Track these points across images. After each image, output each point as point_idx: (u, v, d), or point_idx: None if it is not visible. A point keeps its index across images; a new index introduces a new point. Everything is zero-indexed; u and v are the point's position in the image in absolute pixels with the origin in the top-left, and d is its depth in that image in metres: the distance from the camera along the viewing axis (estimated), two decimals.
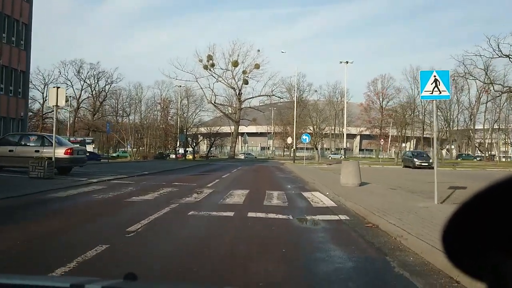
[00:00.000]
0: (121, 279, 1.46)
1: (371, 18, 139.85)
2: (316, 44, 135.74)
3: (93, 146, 67.58)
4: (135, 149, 58.73)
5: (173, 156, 64.51)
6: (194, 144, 53.01)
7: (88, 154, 52.17)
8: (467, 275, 0.69)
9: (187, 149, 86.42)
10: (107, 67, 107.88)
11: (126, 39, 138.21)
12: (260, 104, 63.06)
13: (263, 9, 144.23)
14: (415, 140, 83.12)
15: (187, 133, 57.07)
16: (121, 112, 74.90)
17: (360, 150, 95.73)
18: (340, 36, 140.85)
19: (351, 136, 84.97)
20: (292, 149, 45.67)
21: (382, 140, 50.37)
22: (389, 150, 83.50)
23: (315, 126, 43.23)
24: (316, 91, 73.89)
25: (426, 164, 37.31)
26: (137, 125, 60.41)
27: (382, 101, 79.88)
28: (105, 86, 74.01)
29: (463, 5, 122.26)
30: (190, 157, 67.31)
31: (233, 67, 60.01)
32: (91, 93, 74.09)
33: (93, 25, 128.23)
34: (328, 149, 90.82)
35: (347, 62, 64.19)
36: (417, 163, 37.38)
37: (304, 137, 39.55)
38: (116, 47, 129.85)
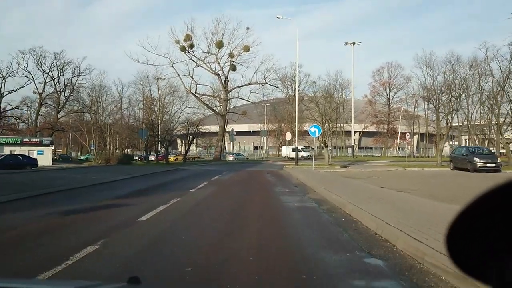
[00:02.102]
0: (125, 283, 1.37)
1: (373, 14, 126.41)
2: (314, 41, 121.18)
3: (53, 148, 54.12)
4: (99, 151, 44.95)
5: (152, 158, 50.98)
6: (167, 144, 39.35)
7: (21, 157, 38.74)
8: (472, 277, 0.64)
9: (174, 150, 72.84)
10: (74, 57, 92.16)
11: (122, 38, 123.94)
12: (251, 93, 49.53)
13: (261, 9, 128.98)
14: (417, 136, 70.07)
15: (168, 133, 43.30)
16: (100, 110, 60.58)
17: (359, 148, 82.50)
18: (340, 32, 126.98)
19: (348, 133, 71.70)
20: (295, 148, 32.25)
21: (408, 134, 37.14)
22: (398, 147, 70.36)
23: (323, 117, 29.67)
24: (314, 82, 60.83)
25: (493, 165, 24.04)
26: (100, 122, 46.34)
27: (389, 92, 66.99)
28: (71, 78, 59.91)
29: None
30: (172, 159, 53.79)
31: (217, 49, 46.54)
32: (54, 86, 59.95)
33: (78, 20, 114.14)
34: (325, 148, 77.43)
35: (353, 44, 51.03)
36: (479, 164, 24.00)
37: (313, 129, 26.16)
38: (110, 45, 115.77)
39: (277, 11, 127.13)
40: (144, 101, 62.54)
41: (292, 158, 52.70)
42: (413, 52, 78.87)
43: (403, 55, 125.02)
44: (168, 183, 15.94)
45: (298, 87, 72.84)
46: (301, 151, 59.63)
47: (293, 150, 61.35)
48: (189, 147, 45.46)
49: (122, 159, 40.14)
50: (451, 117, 29.55)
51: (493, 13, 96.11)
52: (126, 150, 68.68)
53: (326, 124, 30.83)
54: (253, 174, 22.76)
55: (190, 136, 41.48)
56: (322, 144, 31.90)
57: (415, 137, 71.72)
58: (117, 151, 45.42)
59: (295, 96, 69.71)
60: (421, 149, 71.51)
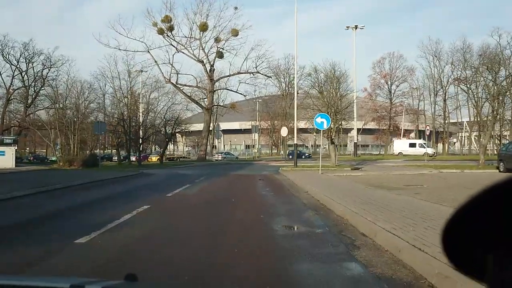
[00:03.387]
0: (121, 280, 1.34)
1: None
2: (311, 38, 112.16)
3: (16, 147, 46.31)
4: (63, 152, 37.32)
5: (133, 158, 43.53)
6: (141, 142, 31.73)
7: None
8: (468, 276, 0.64)
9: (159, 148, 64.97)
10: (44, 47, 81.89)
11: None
12: (241, 83, 42.06)
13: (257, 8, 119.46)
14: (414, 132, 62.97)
15: (142, 129, 35.70)
16: (72, 105, 52.40)
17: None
18: (338, 28, 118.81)
19: (346, 131, 63.82)
20: (293, 145, 24.93)
21: (427, 128, 30.06)
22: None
23: (329, 107, 22.44)
24: (310, 74, 53.36)
25: None
26: (65, 119, 38.40)
27: (391, 85, 59.99)
28: (42, 70, 51.98)
29: None
30: (154, 159, 46.24)
31: (201, 33, 39.03)
32: (21, 79, 52.03)
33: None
34: (319, 145, 70.33)
35: (356, 27, 43.87)
36: None
37: (319, 119, 18.91)
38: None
39: (275, 9, 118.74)
40: (129, 97, 55.01)
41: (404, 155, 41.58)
42: (416, 46, 71.55)
43: (406, 49, 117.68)
44: (67, 212, 8.11)
45: (291, 80, 65.87)
46: (423, 147, 44.25)
47: (410, 145, 46.13)
48: (166, 146, 37.95)
49: (87, 160, 32.58)
50: (497, 103, 22.48)
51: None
52: (110, 150, 60.84)
53: (333, 116, 23.57)
54: (238, 183, 15.42)
55: (170, 133, 33.93)
56: (328, 139, 24.60)
57: (412, 134, 64.93)
58: (86, 151, 37.78)
59: (291, 87, 62.94)
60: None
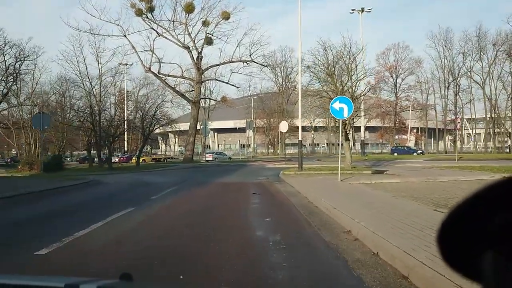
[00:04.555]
0: (116, 279, 1.29)
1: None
2: (310, 35, 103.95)
3: None
4: (23, 153, 31.29)
5: (116, 159, 37.40)
6: (110, 142, 25.34)
7: None
8: (465, 277, 0.61)
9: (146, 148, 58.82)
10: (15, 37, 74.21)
11: None
12: (233, 73, 35.89)
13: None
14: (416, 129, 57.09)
15: (112, 126, 29.28)
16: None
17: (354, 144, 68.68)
18: (338, 24, 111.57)
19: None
20: (298, 142, 18.74)
21: (458, 120, 24.23)
22: (408, 142, 57.66)
23: (342, 92, 16.35)
24: (308, 67, 47.10)
25: None
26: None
27: (396, 78, 54.19)
28: (15, 63, 45.55)
29: None
30: (134, 161, 40.06)
31: (187, 14, 32.90)
32: None
33: None
34: (318, 144, 64.46)
35: (362, 11, 37.91)
36: None
37: (338, 105, 12.92)
38: None
39: (274, 7, 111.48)
40: (117, 95, 48.70)
41: None
42: (425, 35, 64.93)
43: (412, 44, 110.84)
44: None
45: (288, 75, 59.81)
46: None
47: None
48: (143, 144, 31.77)
49: (49, 163, 26.43)
50: None
51: None
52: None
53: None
54: (218, 203, 9.27)
55: (147, 131, 27.70)
56: (342, 135, 18.50)
57: (414, 130, 59.13)
58: (49, 153, 31.63)
59: (289, 81, 56.96)
60: (422, 145, 58.36)
